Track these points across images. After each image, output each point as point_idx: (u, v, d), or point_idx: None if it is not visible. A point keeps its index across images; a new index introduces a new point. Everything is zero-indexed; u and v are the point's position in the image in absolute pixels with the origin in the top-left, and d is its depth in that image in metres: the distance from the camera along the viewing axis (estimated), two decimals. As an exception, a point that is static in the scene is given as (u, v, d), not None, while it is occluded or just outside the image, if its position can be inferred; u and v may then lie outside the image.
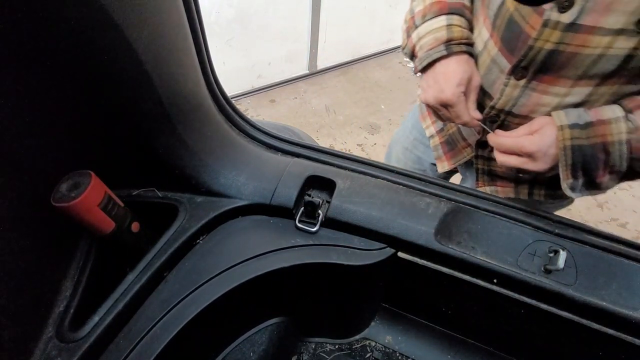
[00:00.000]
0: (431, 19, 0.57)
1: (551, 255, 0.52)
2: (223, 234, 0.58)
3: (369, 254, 0.56)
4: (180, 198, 0.59)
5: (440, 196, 0.59)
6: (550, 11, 0.45)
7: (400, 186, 0.61)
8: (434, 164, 0.85)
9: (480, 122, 0.58)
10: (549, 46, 0.48)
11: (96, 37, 0.39)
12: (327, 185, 0.62)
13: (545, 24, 0.47)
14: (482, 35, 0.60)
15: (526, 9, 0.50)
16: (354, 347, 0.73)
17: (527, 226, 0.56)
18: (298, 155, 0.66)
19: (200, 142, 0.58)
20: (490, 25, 0.58)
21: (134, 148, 0.53)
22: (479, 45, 0.61)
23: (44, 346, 0.45)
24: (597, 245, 0.53)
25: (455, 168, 0.83)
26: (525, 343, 0.61)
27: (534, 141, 0.51)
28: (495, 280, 0.53)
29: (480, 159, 0.71)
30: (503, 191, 0.72)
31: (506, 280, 0.52)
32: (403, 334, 0.73)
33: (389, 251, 0.56)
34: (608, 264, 0.52)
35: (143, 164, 0.56)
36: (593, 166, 0.47)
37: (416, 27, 0.59)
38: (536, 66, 0.51)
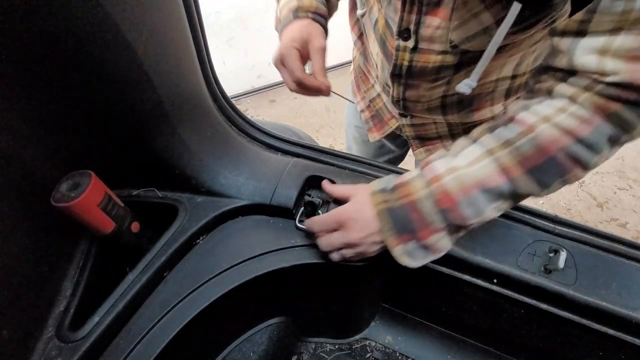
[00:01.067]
0: None
1: (551, 255, 0.52)
2: (223, 234, 0.58)
3: (369, 254, 0.56)
4: (180, 198, 0.59)
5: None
6: (398, 40, 0.60)
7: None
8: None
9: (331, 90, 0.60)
10: (405, 63, 0.63)
11: (96, 37, 0.39)
12: (327, 185, 0.62)
13: (397, 49, 0.62)
14: (372, 40, 0.73)
15: (387, 32, 0.64)
16: (354, 347, 0.73)
17: (527, 226, 0.56)
18: (298, 155, 0.66)
19: (200, 142, 0.58)
20: (374, 35, 0.71)
21: (134, 148, 0.53)
22: (374, 45, 0.72)
23: (44, 346, 0.45)
24: (597, 245, 0.53)
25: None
26: (525, 343, 0.61)
27: (344, 209, 0.51)
28: (495, 280, 0.53)
29: (406, 127, 0.83)
30: (435, 148, 0.85)
31: (506, 280, 0.52)
32: (403, 334, 0.73)
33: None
34: (608, 264, 0.52)
35: (143, 164, 0.56)
36: (412, 227, 0.46)
37: (278, 2, 0.65)
38: (404, 74, 0.66)
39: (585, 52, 0.40)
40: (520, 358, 0.67)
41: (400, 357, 0.71)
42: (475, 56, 0.56)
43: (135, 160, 0.56)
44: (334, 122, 2.55)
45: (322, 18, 0.62)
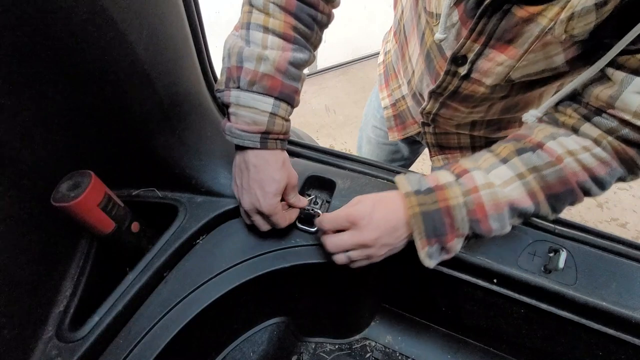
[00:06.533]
0: (258, 93, 0.49)
1: (551, 255, 0.52)
2: (223, 234, 0.58)
3: (369, 254, 0.56)
4: (180, 198, 0.59)
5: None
6: (450, 64, 0.57)
7: (400, 186, 0.61)
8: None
9: (307, 207, 0.57)
10: (451, 87, 0.61)
11: (96, 37, 0.39)
12: (327, 185, 0.62)
13: (447, 72, 0.59)
14: (415, 48, 0.70)
15: (435, 50, 0.61)
16: (354, 347, 0.73)
17: (527, 226, 0.56)
18: (298, 155, 0.66)
19: (200, 142, 0.58)
20: (419, 45, 0.67)
21: (134, 148, 0.53)
22: (415, 53, 0.70)
23: (44, 346, 0.45)
24: (597, 245, 0.54)
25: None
26: (525, 343, 0.61)
27: (356, 208, 0.50)
28: (495, 280, 0.53)
29: (428, 134, 0.82)
30: (453, 157, 0.85)
31: (506, 280, 0.52)
32: (403, 334, 0.73)
33: (389, 251, 0.56)
34: (608, 264, 0.52)
35: (143, 164, 0.56)
36: (442, 231, 0.47)
37: (239, 87, 0.49)
38: (446, 95, 0.64)
39: (634, 91, 0.41)
40: (520, 358, 0.67)
41: (400, 357, 0.71)
42: (525, 85, 0.56)
43: (135, 160, 0.56)
44: (334, 122, 2.55)
45: (287, 141, 0.55)
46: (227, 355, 0.64)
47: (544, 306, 0.52)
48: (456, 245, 0.48)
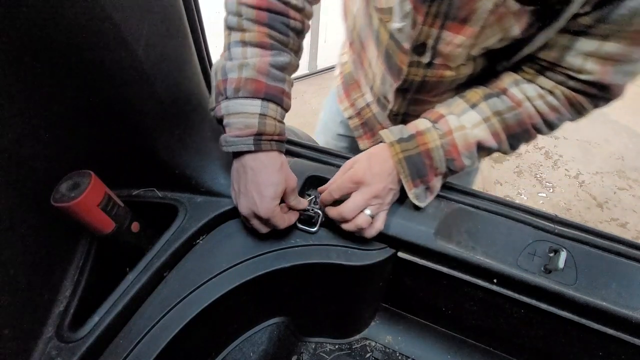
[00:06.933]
0: (245, 98, 0.50)
1: (551, 255, 0.52)
2: (223, 234, 0.58)
3: (368, 254, 0.56)
4: (180, 198, 0.59)
5: (440, 196, 0.59)
6: (412, 55, 0.58)
7: (400, 186, 0.61)
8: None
9: (307, 207, 0.58)
10: (417, 79, 0.62)
11: (96, 38, 0.39)
12: (327, 185, 0.62)
13: (410, 64, 0.60)
14: (372, 52, 0.70)
15: (393, 46, 0.61)
16: (354, 347, 0.73)
17: (527, 226, 0.56)
18: (298, 155, 0.66)
19: (200, 142, 0.58)
20: (375, 47, 0.68)
21: (134, 148, 0.53)
22: (373, 57, 0.70)
23: (44, 346, 0.45)
24: (597, 245, 0.54)
25: None
26: (525, 343, 0.61)
27: (356, 168, 0.54)
28: (495, 280, 0.53)
29: None
30: None
31: (506, 280, 0.52)
32: (403, 334, 0.73)
33: (389, 251, 0.56)
34: (608, 264, 0.52)
35: (143, 164, 0.56)
36: (424, 172, 0.54)
37: (227, 97, 0.51)
38: (413, 89, 0.65)
39: (576, 53, 0.49)
40: (520, 358, 0.67)
41: (400, 357, 0.71)
42: (488, 58, 0.59)
43: (135, 160, 0.56)
44: (334, 122, 2.54)
45: (283, 143, 0.55)
46: (227, 355, 0.64)
47: (544, 306, 0.52)
48: (437, 183, 0.57)
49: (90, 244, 0.55)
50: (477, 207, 0.58)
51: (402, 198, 0.58)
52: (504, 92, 0.56)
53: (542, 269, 0.51)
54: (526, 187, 2.24)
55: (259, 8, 0.51)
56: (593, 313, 0.49)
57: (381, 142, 0.57)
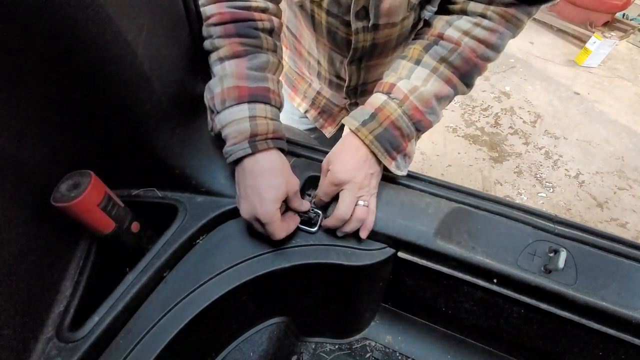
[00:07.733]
0: (231, 106, 0.50)
1: (551, 255, 0.52)
2: (223, 234, 0.58)
3: (368, 254, 0.56)
4: (180, 198, 0.59)
5: (440, 196, 0.59)
6: (355, 22, 0.60)
7: (400, 186, 0.61)
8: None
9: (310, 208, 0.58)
10: (367, 44, 0.64)
11: (95, 37, 0.39)
12: (327, 185, 0.62)
13: (356, 32, 0.62)
14: (309, 39, 0.72)
15: (333, 22, 0.64)
16: (354, 347, 0.73)
17: (527, 226, 0.56)
18: (298, 155, 0.66)
19: (200, 142, 0.58)
20: (311, 33, 0.70)
21: (134, 148, 0.53)
22: (312, 43, 0.72)
23: (43, 346, 0.45)
24: (597, 245, 0.53)
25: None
26: (525, 343, 0.61)
27: (334, 170, 0.54)
28: (495, 280, 0.53)
29: None
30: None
31: (506, 280, 0.52)
32: (403, 334, 0.73)
33: (389, 251, 0.56)
34: (608, 264, 0.52)
35: (143, 164, 0.56)
36: (397, 143, 0.55)
37: (217, 112, 0.51)
38: (366, 56, 0.67)
39: None
40: (520, 358, 0.67)
41: (400, 357, 0.71)
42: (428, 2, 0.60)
43: (135, 160, 0.56)
44: (334, 122, 2.54)
45: (281, 140, 0.54)
46: (227, 355, 0.64)
47: (544, 306, 0.52)
48: (412, 147, 0.58)
49: (90, 244, 0.55)
50: (477, 207, 0.58)
51: (402, 198, 0.58)
52: (440, 37, 0.57)
53: (542, 269, 0.51)
54: (526, 187, 2.24)
55: (224, 23, 0.53)
56: (593, 313, 0.49)
57: (344, 126, 0.58)
